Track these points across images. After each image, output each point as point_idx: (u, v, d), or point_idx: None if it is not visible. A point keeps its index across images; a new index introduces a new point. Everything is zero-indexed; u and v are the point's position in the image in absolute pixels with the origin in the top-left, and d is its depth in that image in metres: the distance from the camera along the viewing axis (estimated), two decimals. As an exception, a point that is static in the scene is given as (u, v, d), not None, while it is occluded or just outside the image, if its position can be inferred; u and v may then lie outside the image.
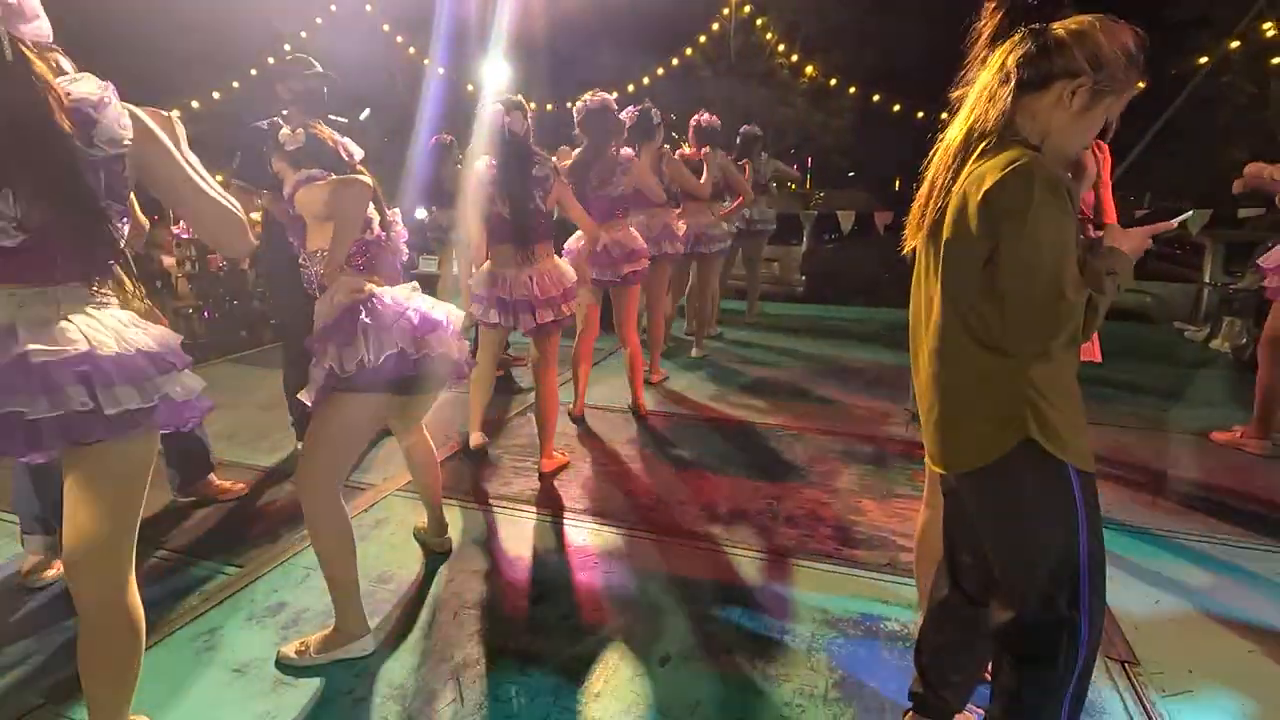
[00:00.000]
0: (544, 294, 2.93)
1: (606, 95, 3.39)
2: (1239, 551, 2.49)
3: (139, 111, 1.37)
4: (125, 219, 1.39)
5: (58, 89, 1.26)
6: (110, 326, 1.35)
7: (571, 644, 2.04)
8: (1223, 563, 2.42)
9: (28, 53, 1.25)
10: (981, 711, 1.67)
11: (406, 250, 2.15)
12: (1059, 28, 1.23)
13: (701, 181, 4.28)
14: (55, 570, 2.34)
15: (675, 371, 4.75)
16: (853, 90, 11.31)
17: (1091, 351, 2.74)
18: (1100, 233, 1.35)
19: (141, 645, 1.50)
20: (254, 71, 9.47)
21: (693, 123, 4.54)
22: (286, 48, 8.98)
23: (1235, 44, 8.33)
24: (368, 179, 1.94)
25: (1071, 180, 1.23)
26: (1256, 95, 11.08)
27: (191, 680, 1.90)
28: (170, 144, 1.41)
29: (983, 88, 1.29)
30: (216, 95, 9.69)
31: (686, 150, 4.64)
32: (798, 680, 1.89)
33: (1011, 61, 1.25)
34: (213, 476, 2.97)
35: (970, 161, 1.27)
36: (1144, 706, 1.78)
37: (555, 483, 3.10)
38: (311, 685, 1.89)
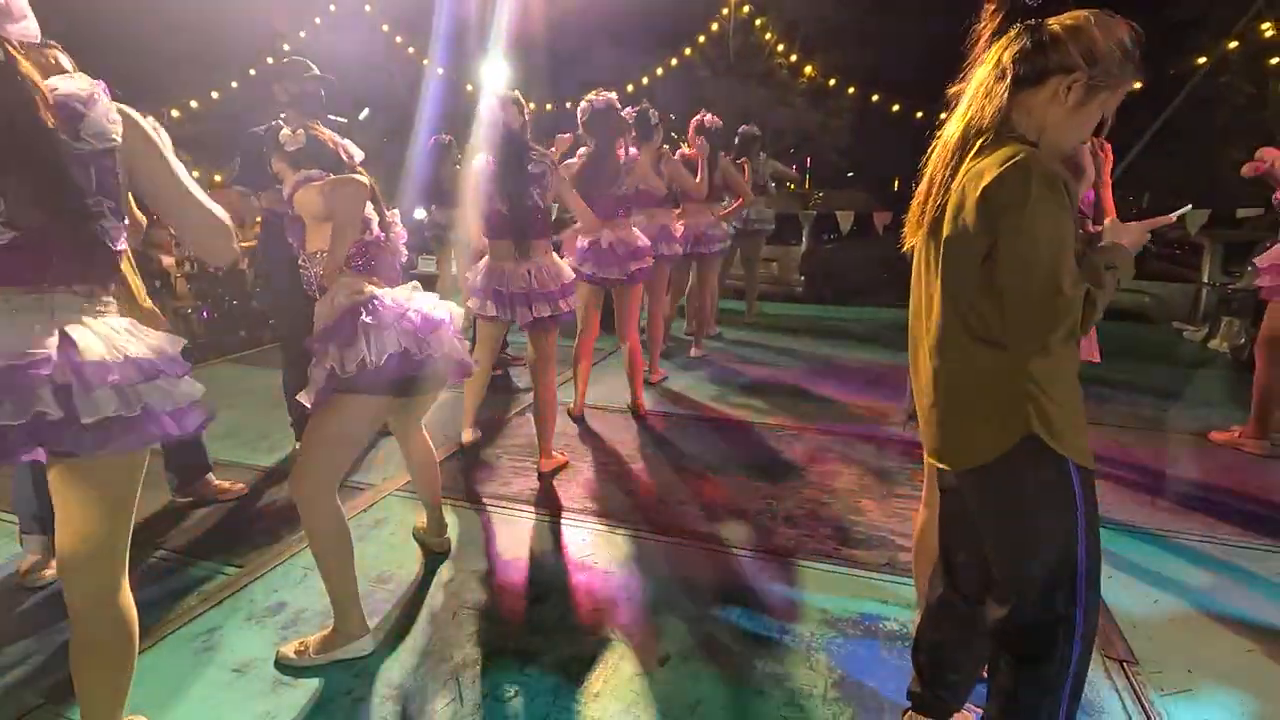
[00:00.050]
0: (541, 288, 2.94)
1: (611, 95, 3.40)
2: (1238, 551, 2.49)
3: (132, 112, 1.37)
4: (119, 217, 1.38)
5: (44, 88, 1.26)
6: (102, 334, 1.33)
7: (571, 644, 2.04)
8: (1221, 562, 2.43)
9: (14, 53, 1.26)
10: (980, 711, 1.67)
11: (406, 251, 2.15)
12: (1054, 23, 1.23)
13: (697, 181, 4.28)
14: (53, 570, 2.34)
15: (674, 371, 4.75)
16: (852, 90, 11.32)
17: (1090, 351, 2.74)
18: (1099, 228, 1.35)
19: (134, 648, 1.50)
20: (252, 71, 9.46)
21: (694, 123, 4.54)
22: (285, 48, 8.99)
23: (1234, 44, 8.34)
24: (365, 179, 1.94)
25: (1069, 176, 1.23)
26: (1255, 95, 11.11)
27: (191, 680, 1.90)
28: (162, 147, 1.41)
29: (979, 84, 1.30)
30: (215, 95, 9.68)
31: (686, 150, 4.64)
32: (797, 680, 1.89)
33: (1007, 58, 1.25)
34: (211, 476, 2.97)
35: (968, 159, 1.27)
36: (1143, 706, 1.78)
37: (554, 483, 3.10)
38: (311, 685, 1.88)
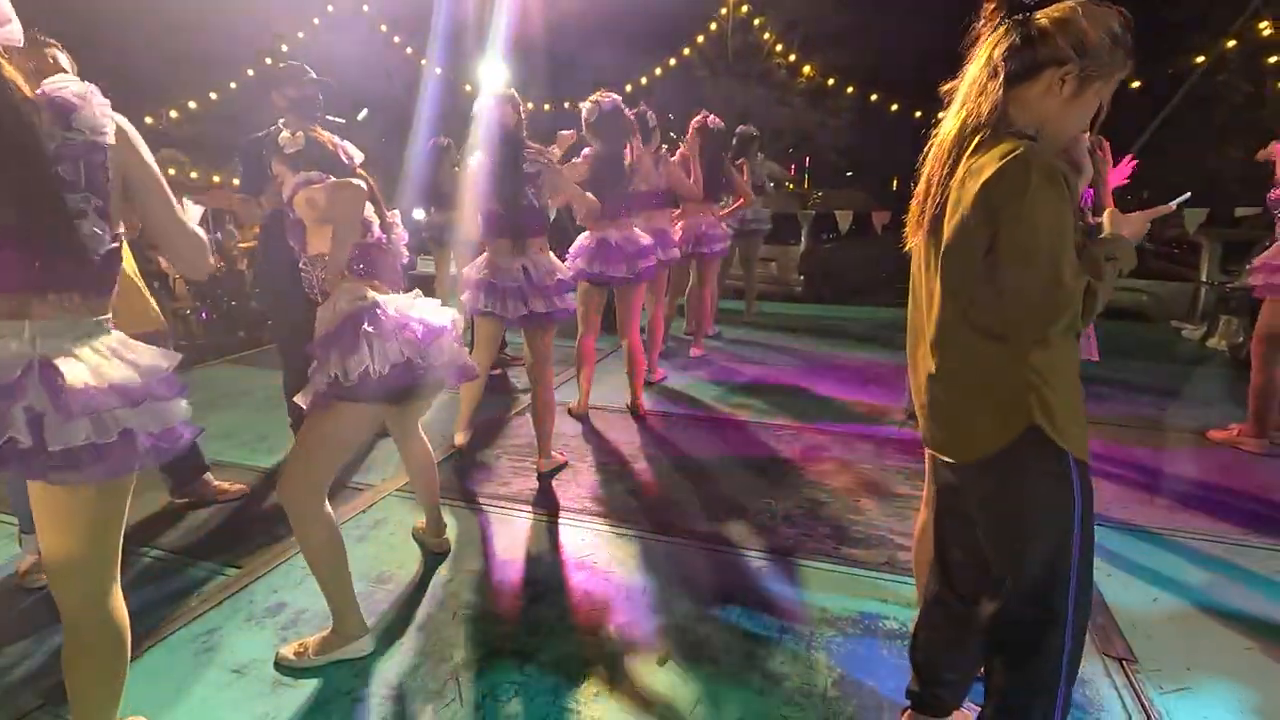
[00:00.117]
0: (535, 283, 2.93)
1: (616, 96, 3.40)
2: (1236, 549, 2.50)
3: (124, 121, 1.35)
4: (105, 218, 1.31)
5: (25, 88, 1.24)
6: (85, 358, 1.28)
7: (570, 644, 2.04)
8: (1220, 561, 2.43)
9: None
10: (979, 709, 1.67)
11: (407, 253, 2.14)
12: (1042, 17, 1.23)
13: (691, 181, 4.28)
14: (53, 572, 2.34)
15: (674, 371, 4.75)
16: (850, 90, 11.32)
17: (1089, 350, 2.75)
18: (1099, 219, 1.36)
19: (126, 652, 1.50)
20: (250, 72, 9.46)
21: (695, 123, 4.53)
22: (284, 49, 8.97)
23: (1232, 43, 8.35)
24: (364, 182, 1.94)
25: (1069, 169, 1.23)
26: (1252, 94, 11.12)
27: (190, 681, 1.90)
28: (149, 158, 1.39)
29: (972, 82, 1.30)
30: (214, 96, 9.67)
31: (685, 151, 4.64)
32: (797, 679, 1.89)
33: (998, 55, 1.25)
34: (209, 476, 2.97)
35: (966, 156, 1.27)
36: (1142, 704, 1.78)
37: (553, 483, 3.10)
38: (310, 686, 1.89)
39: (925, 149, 1.39)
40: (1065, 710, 1.36)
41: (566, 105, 10.32)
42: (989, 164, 1.21)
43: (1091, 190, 2.32)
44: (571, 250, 3.62)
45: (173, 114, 9.48)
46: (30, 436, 1.21)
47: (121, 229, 1.38)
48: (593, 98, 3.40)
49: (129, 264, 2.49)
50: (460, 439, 3.43)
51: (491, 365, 3.56)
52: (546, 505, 2.90)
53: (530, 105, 4.33)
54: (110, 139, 1.30)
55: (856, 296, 7.51)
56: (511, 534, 2.69)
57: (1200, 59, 8.51)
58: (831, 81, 11.48)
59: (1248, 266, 3.51)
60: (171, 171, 8.79)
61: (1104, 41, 1.21)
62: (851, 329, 6.09)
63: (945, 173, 1.31)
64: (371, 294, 1.94)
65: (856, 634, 2.07)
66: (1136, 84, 7.57)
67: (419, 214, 5.15)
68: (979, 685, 1.67)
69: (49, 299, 1.28)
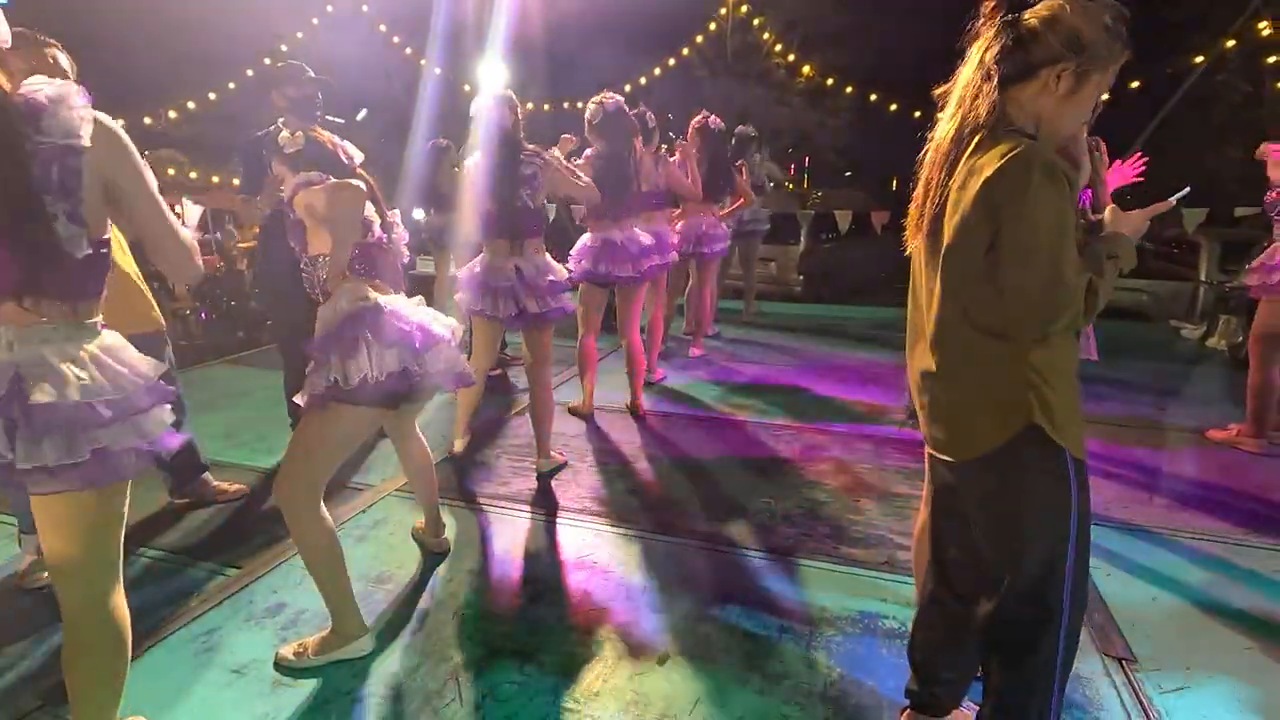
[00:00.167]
0: (529, 283, 2.92)
1: (618, 97, 3.40)
2: (1236, 549, 2.50)
3: (110, 122, 1.31)
4: (78, 221, 1.27)
5: (6, 88, 1.22)
6: (63, 372, 1.26)
7: (570, 643, 2.04)
8: (1219, 560, 2.43)
9: None
10: (978, 707, 1.67)
11: (407, 252, 2.15)
12: (1031, 16, 1.23)
13: (689, 181, 4.28)
14: (52, 572, 2.34)
15: (674, 371, 4.75)
16: (849, 90, 11.33)
17: (1088, 350, 2.75)
18: (1100, 216, 1.36)
19: (127, 652, 1.50)
20: (250, 72, 9.46)
21: (695, 124, 4.53)
22: (284, 49, 8.97)
23: (1230, 43, 8.35)
24: (363, 181, 1.94)
25: (1069, 167, 1.24)
26: (1251, 94, 11.12)
27: (190, 681, 1.90)
28: (139, 162, 1.36)
29: (965, 85, 1.30)
30: (213, 96, 9.67)
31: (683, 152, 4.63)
32: (796, 678, 1.89)
33: (989, 58, 1.25)
34: (208, 477, 2.96)
35: (966, 157, 1.27)
36: (1141, 704, 1.79)
37: (553, 483, 3.10)
38: (310, 686, 1.89)
39: (922, 153, 1.39)
40: (1060, 708, 1.36)
41: (566, 105, 10.34)
42: (990, 163, 1.21)
43: (1090, 190, 2.31)
44: (575, 251, 3.62)
45: (172, 114, 9.48)
46: (8, 449, 1.21)
47: (109, 232, 1.36)
48: (596, 99, 3.40)
49: (130, 265, 2.49)
50: (459, 445, 3.41)
51: (491, 367, 3.56)
52: (546, 505, 2.90)
53: (530, 105, 4.34)
54: (85, 142, 1.25)
55: (856, 296, 7.52)
56: (511, 534, 2.69)
57: (1199, 59, 8.51)
58: (830, 81, 11.49)
59: (1247, 267, 3.51)
60: (171, 172, 8.81)
61: (1098, 35, 1.20)
62: (851, 329, 6.10)
63: (944, 175, 1.31)
64: (373, 294, 1.94)
65: (856, 633, 2.07)
66: (1135, 84, 7.57)
67: (418, 215, 5.15)
68: (979, 685, 1.68)
69: (25, 304, 1.26)
